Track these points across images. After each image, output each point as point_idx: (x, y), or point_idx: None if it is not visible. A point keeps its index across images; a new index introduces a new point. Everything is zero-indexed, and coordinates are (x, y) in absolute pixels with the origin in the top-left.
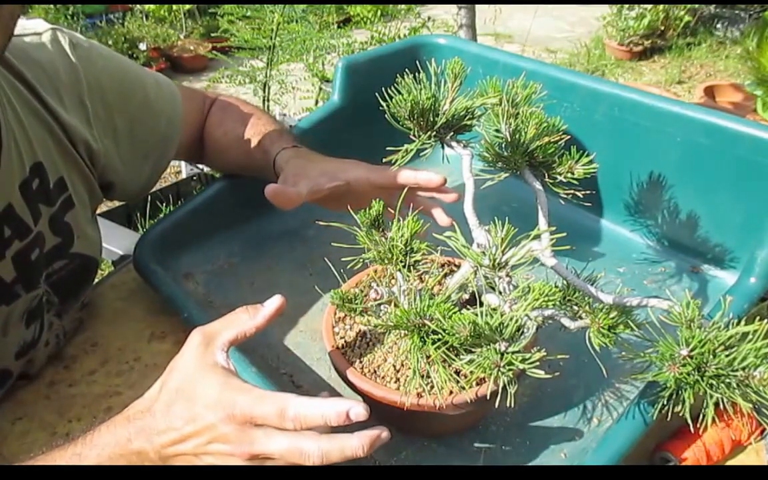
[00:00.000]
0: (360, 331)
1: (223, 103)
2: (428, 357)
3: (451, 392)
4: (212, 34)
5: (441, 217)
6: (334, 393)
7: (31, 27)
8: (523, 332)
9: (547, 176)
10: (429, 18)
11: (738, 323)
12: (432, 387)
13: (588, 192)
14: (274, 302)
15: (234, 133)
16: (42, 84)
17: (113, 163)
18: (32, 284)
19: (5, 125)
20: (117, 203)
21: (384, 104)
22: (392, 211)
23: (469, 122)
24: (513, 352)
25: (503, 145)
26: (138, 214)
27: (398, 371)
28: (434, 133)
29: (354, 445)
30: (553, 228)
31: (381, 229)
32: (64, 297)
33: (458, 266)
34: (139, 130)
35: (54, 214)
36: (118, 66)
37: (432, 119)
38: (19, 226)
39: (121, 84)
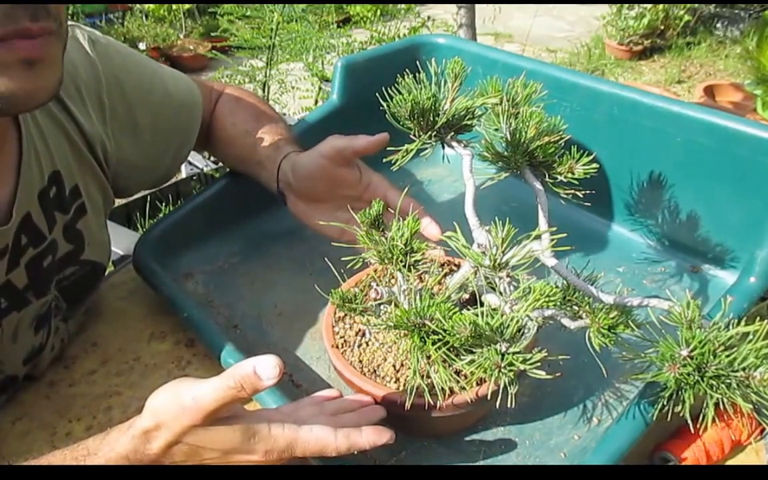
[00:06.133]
0: (360, 330)
1: (235, 94)
2: (428, 357)
3: (451, 392)
4: (212, 34)
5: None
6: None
7: None
8: (523, 333)
9: (547, 176)
10: (429, 17)
11: (738, 323)
12: (432, 387)
13: (588, 192)
14: (271, 374)
15: (243, 126)
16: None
17: (127, 159)
18: (43, 291)
19: (26, 135)
20: (117, 202)
21: (384, 104)
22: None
23: (469, 122)
24: (514, 353)
25: (503, 145)
26: (138, 214)
27: (398, 371)
28: (435, 132)
29: (361, 443)
30: (554, 228)
31: (381, 229)
32: (72, 302)
33: (458, 266)
34: (161, 122)
35: (68, 221)
36: (135, 62)
37: (432, 119)
38: (34, 235)
39: (140, 79)
